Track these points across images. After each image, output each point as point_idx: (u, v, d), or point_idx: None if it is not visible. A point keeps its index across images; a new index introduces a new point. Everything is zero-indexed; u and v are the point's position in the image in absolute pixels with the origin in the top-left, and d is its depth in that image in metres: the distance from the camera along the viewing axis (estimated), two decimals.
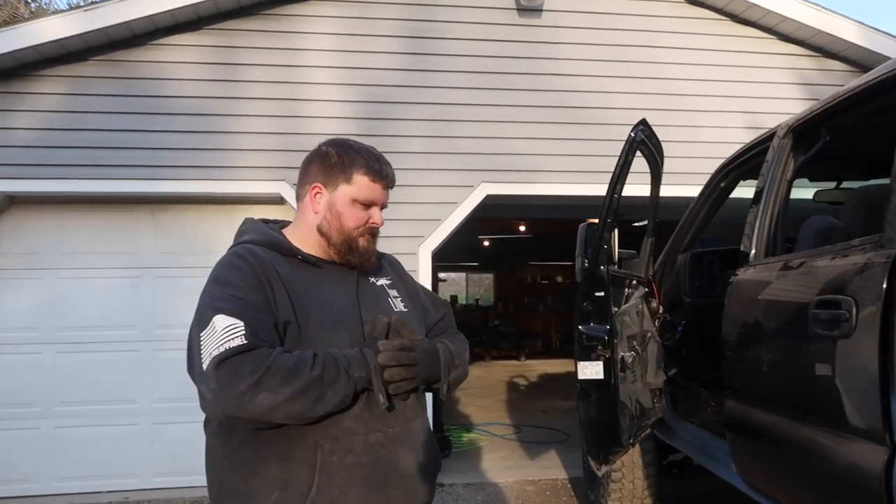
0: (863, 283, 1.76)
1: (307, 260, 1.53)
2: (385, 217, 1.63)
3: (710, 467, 3.00)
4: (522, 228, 11.67)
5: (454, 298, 16.24)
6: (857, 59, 5.65)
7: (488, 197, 5.25)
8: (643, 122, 2.99)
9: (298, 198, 1.61)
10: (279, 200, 5.01)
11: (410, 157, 5.00)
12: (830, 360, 1.85)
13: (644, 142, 3.01)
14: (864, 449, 1.70)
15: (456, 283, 18.34)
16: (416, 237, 5.05)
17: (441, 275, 15.90)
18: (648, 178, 3.33)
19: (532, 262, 15.91)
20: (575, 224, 3.25)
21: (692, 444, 3.25)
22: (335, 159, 1.55)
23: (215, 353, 1.30)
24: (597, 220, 3.01)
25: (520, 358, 13.61)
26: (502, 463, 5.61)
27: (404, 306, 1.62)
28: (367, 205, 1.56)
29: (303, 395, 1.31)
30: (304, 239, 1.57)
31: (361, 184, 1.54)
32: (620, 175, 2.89)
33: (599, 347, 2.95)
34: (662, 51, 5.53)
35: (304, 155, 1.64)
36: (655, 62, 5.51)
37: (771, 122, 3.07)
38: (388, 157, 1.63)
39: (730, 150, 3.42)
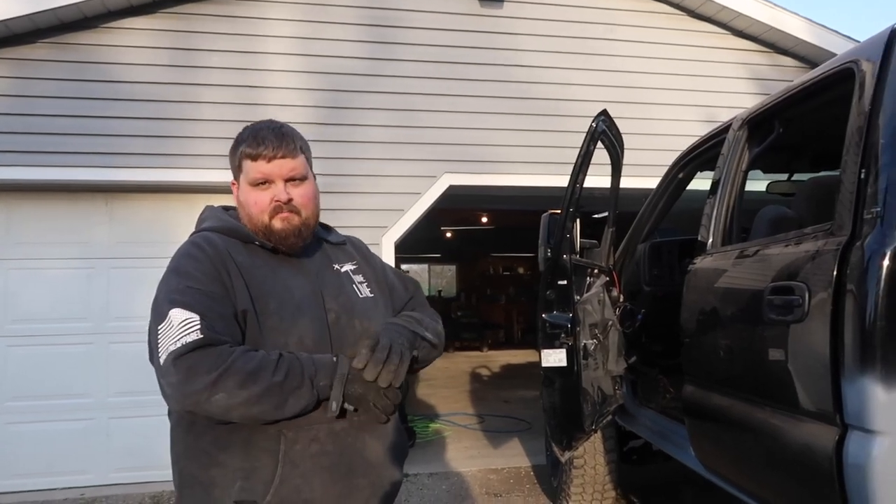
0: (814, 270, 1.82)
1: (264, 246, 1.50)
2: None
3: (669, 452, 3.07)
4: (485, 220, 11.71)
5: None
6: (807, 56, 5.82)
7: (451, 187, 5.25)
8: (604, 112, 3.01)
9: None
10: None
11: (372, 147, 4.94)
12: (784, 345, 1.91)
13: (605, 132, 3.04)
14: (817, 429, 1.76)
15: (418, 275, 18.33)
16: (379, 227, 5.00)
17: (404, 266, 15.86)
18: (609, 169, 3.37)
19: (494, 253, 16.02)
20: (537, 215, 3.27)
21: (652, 430, 3.32)
22: (230, 152, 1.53)
23: (172, 348, 1.28)
24: (559, 211, 3.04)
25: (482, 349, 13.66)
26: (466, 452, 5.64)
27: (370, 291, 1.60)
28: (265, 183, 1.47)
29: (261, 399, 1.29)
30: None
31: (247, 167, 1.48)
32: (582, 165, 2.91)
33: (562, 335, 2.97)
34: (622, 44, 5.60)
35: None
36: (615, 55, 5.58)
37: (724, 116, 3.14)
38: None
39: (686, 143, 3.48)
